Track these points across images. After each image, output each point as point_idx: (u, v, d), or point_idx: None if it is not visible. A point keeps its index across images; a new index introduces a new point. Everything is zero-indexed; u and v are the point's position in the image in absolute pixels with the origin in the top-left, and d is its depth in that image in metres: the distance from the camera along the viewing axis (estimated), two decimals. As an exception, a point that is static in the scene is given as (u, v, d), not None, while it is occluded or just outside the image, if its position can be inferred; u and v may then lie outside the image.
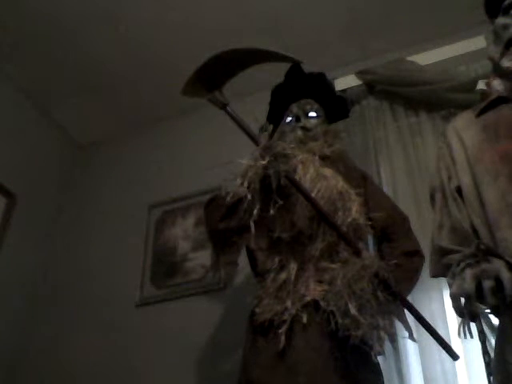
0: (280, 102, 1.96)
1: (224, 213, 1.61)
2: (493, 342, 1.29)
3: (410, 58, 2.43)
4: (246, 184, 1.40)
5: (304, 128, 1.83)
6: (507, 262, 1.11)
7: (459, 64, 2.32)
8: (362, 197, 1.62)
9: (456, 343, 1.63)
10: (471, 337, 1.16)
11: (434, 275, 1.33)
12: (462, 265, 1.16)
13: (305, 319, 1.41)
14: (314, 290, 1.45)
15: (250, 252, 1.72)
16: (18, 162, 2.73)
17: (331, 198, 1.55)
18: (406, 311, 1.46)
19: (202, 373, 2.15)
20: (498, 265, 1.11)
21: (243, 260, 1.77)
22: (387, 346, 1.45)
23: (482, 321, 1.41)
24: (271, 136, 1.46)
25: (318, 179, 1.58)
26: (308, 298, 1.45)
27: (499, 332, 1.20)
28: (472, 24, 2.30)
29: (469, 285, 1.11)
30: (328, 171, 1.65)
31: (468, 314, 1.13)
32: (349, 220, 1.52)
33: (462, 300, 1.14)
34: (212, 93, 1.53)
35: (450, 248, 1.25)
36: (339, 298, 1.37)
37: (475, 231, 1.24)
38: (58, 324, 2.56)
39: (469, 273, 1.13)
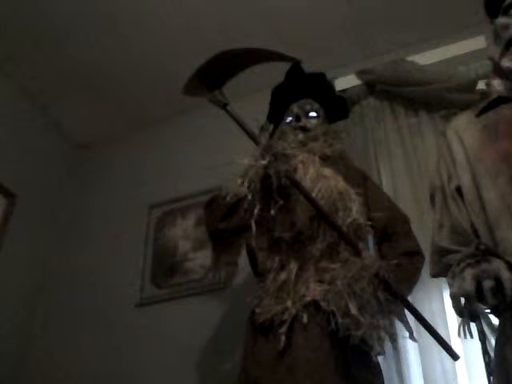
0: (280, 102, 1.97)
1: (224, 213, 1.61)
2: (493, 342, 1.29)
3: (409, 58, 2.43)
4: (246, 184, 1.40)
5: (304, 128, 1.83)
6: (507, 262, 1.11)
7: (459, 64, 2.32)
8: (362, 197, 1.62)
9: (456, 343, 1.63)
10: (471, 337, 1.16)
11: (434, 275, 1.33)
12: (462, 265, 1.16)
13: (305, 319, 1.41)
14: (314, 290, 1.45)
15: (250, 252, 1.72)
16: (17, 162, 2.73)
17: (331, 197, 1.55)
18: (406, 311, 1.46)
19: (202, 373, 2.15)
20: (497, 265, 1.11)
21: (243, 260, 1.77)
22: (387, 345, 1.45)
23: (482, 321, 1.41)
24: (271, 136, 1.46)
25: (319, 179, 1.58)
26: (308, 298, 1.44)
27: (499, 332, 1.20)
28: (472, 24, 2.30)
29: (469, 285, 1.11)
30: (328, 171, 1.65)
31: (468, 314, 1.13)
32: (349, 220, 1.52)
33: (462, 300, 1.14)
34: (212, 92, 1.53)
35: (450, 248, 1.25)
36: (339, 298, 1.37)
37: (475, 231, 1.24)
38: (58, 324, 2.56)
39: (469, 273, 1.13)
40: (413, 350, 1.82)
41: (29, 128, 2.87)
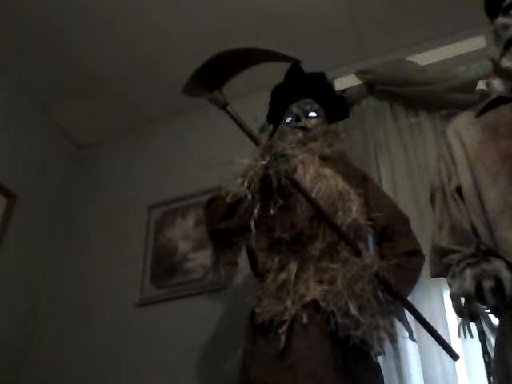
0: (280, 102, 1.97)
1: (224, 213, 1.61)
2: (493, 342, 1.29)
3: (409, 58, 2.43)
4: (246, 184, 1.40)
5: (304, 128, 1.83)
6: (507, 262, 1.11)
7: (459, 64, 2.31)
8: (362, 197, 1.63)
9: (456, 343, 1.63)
10: (471, 337, 1.16)
11: (434, 275, 1.33)
12: (462, 265, 1.16)
13: (305, 319, 1.41)
14: (314, 290, 1.45)
15: (250, 252, 1.72)
16: (18, 162, 2.73)
17: (331, 197, 1.55)
18: (406, 311, 1.46)
19: (202, 373, 2.15)
20: (497, 265, 1.11)
21: (243, 260, 1.77)
22: (387, 345, 1.45)
23: (482, 321, 1.41)
24: (271, 136, 1.46)
25: (318, 179, 1.58)
26: (308, 298, 1.44)
27: (499, 332, 1.20)
28: (472, 24, 2.30)
29: (469, 285, 1.11)
30: (328, 171, 1.65)
31: (468, 314, 1.13)
32: (349, 220, 1.52)
33: (462, 300, 1.14)
34: (212, 92, 1.53)
35: (450, 248, 1.25)
36: (339, 298, 1.37)
37: (475, 231, 1.24)
38: (57, 324, 2.56)
39: (469, 273, 1.13)
40: (413, 350, 1.82)
41: (29, 128, 2.87)
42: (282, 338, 1.39)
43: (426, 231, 1.81)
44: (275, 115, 1.95)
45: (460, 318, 1.17)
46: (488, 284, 1.09)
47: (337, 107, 2.01)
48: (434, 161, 1.50)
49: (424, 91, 2.30)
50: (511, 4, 1.35)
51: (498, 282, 1.09)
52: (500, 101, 1.34)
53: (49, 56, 2.68)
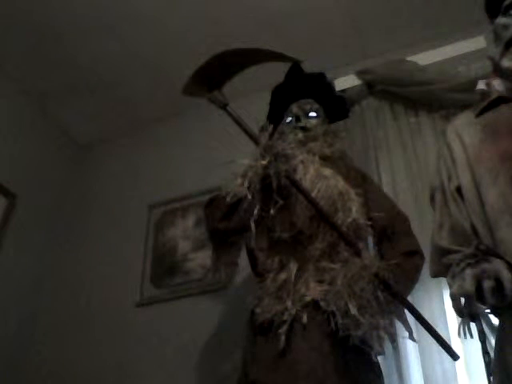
0: (280, 102, 1.97)
1: (224, 213, 1.61)
2: (493, 342, 1.29)
3: (409, 58, 2.43)
4: (246, 184, 1.40)
5: (304, 128, 1.83)
6: (507, 262, 1.11)
7: (459, 64, 2.31)
8: (362, 197, 1.62)
9: (456, 343, 1.63)
10: (471, 337, 1.16)
11: (434, 275, 1.33)
12: (462, 265, 1.16)
13: (305, 319, 1.41)
14: (314, 290, 1.45)
15: (250, 252, 1.71)
16: (18, 162, 2.73)
17: (331, 198, 1.55)
18: (406, 311, 1.46)
19: (202, 373, 2.15)
20: (498, 265, 1.11)
21: (243, 260, 1.77)
22: (387, 345, 1.45)
23: (482, 321, 1.41)
24: (271, 136, 1.46)
25: (318, 179, 1.58)
26: (308, 298, 1.44)
27: (499, 332, 1.20)
28: (472, 24, 2.30)
29: (469, 285, 1.11)
30: (328, 171, 1.65)
31: (468, 314, 1.13)
32: (349, 220, 1.52)
33: (462, 300, 1.14)
34: (212, 92, 1.53)
35: (450, 248, 1.25)
36: (339, 298, 1.37)
37: (475, 231, 1.24)
38: (58, 324, 2.56)
39: (469, 273, 1.13)
40: (413, 350, 1.82)
41: (29, 128, 2.88)
42: (282, 338, 1.39)
43: (426, 231, 1.81)
44: (275, 115, 1.95)
45: (460, 318, 1.17)
46: (488, 284, 1.09)
47: (337, 107, 2.01)
48: (433, 161, 1.50)
49: (424, 91, 2.30)
50: (511, 4, 1.35)
51: (498, 282, 1.09)
52: (500, 101, 1.34)
53: (49, 56, 2.68)
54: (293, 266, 1.51)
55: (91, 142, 3.19)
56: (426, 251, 1.50)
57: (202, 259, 2.44)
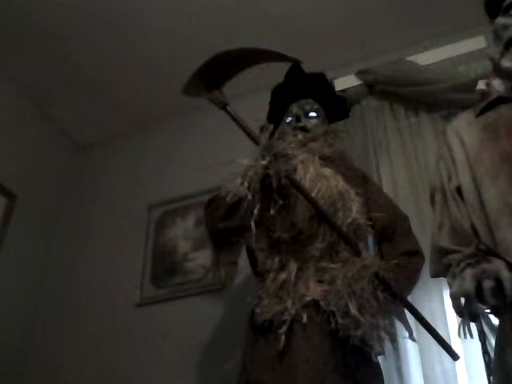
0: (280, 102, 1.97)
1: (224, 213, 1.61)
2: (493, 342, 1.29)
3: (409, 58, 2.43)
4: (246, 184, 1.40)
5: (304, 128, 1.83)
6: (507, 262, 1.11)
7: (459, 64, 2.32)
8: (362, 197, 1.62)
9: (456, 343, 1.63)
10: (471, 337, 1.16)
11: (434, 275, 1.33)
12: (462, 265, 1.16)
13: (305, 319, 1.41)
14: (314, 290, 1.45)
15: (250, 252, 1.72)
16: (18, 162, 2.73)
17: (331, 197, 1.55)
18: (406, 311, 1.46)
19: (202, 373, 2.15)
20: (498, 265, 1.11)
21: (243, 260, 1.77)
22: (387, 345, 1.45)
23: (482, 321, 1.41)
24: (271, 136, 1.46)
25: (318, 179, 1.58)
26: (308, 298, 1.44)
27: (499, 332, 1.20)
28: (472, 24, 2.30)
29: (469, 285, 1.11)
30: (328, 171, 1.65)
31: (468, 314, 1.13)
32: (349, 220, 1.52)
33: (462, 300, 1.14)
34: (212, 92, 1.53)
35: (450, 248, 1.25)
36: (339, 298, 1.37)
37: (475, 231, 1.24)
38: (58, 324, 2.56)
39: (469, 273, 1.13)
40: (413, 350, 1.82)
41: (29, 128, 2.87)
42: (282, 338, 1.39)
43: (425, 231, 1.81)
44: (275, 115, 1.95)
45: (460, 318, 1.17)
46: (488, 284, 1.09)
47: (337, 107, 2.01)
48: (433, 161, 1.50)
49: (424, 91, 2.30)
50: (511, 4, 1.35)
51: (498, 282, 1.09)
52: (500, 101, 1.34)
53: (49, 56, 2.68)
54: (293, 266, 1.51)
55: (91, 142, 3.18)
56: (426, 251, 1.50)
57: (201, 259, 2.44)
